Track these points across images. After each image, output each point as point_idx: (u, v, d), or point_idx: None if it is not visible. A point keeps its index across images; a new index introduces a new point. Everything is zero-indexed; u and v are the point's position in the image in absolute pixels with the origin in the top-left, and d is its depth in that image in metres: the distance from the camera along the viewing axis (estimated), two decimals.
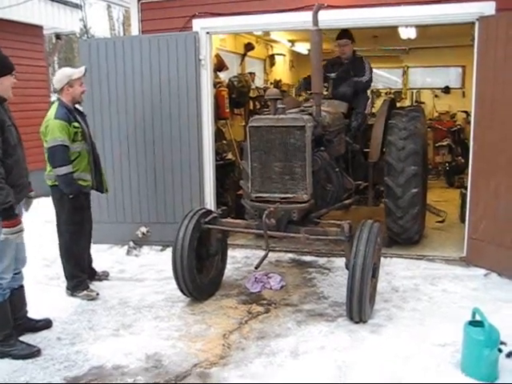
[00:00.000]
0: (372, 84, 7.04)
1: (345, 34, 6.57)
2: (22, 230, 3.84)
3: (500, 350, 3.49)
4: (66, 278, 5.19)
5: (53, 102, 5.06)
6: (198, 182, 6.53)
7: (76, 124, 4.95)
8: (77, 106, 5.19)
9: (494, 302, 4.71)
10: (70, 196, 4.90)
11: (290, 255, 6.29)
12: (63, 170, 4.81)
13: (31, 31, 10.23)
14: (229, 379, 3.67)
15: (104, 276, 5.58)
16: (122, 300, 5.09)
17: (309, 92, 6.21)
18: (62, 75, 5.01)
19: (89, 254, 5.47)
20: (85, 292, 5.12)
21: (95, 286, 5.37)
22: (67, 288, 5.18)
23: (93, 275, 5.47)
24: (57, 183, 4.92)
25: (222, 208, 5.41)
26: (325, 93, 6.09)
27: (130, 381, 3.69)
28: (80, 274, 5.17)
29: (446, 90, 12.92)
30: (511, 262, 5.29)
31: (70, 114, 4.94)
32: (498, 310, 4.44)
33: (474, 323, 3.65)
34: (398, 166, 5.96)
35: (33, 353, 4.02)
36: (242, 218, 5.85)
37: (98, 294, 5.15)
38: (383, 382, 3.58)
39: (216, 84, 7.65)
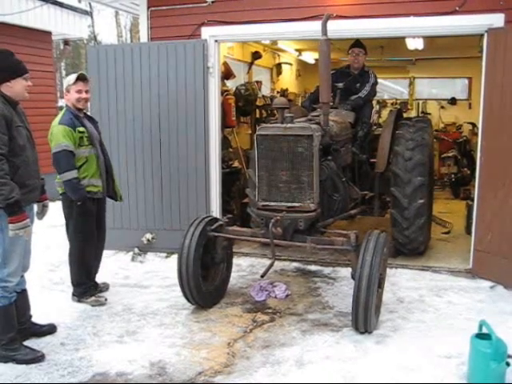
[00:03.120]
0: (378, 94, 7.05)
1: (360, 43, 6.61)
2: (28, 226, 3.84)
3: (508, 364, 3.46)
4: (73, 284, 5.19)
5: (60, 108, 5.10)
6: (204, 190, 6.54)
7: (81, 129, 4.94)
8: (87, 112, 5.22)
9: (501, 315, 4.68)
10: (78, 202, 4.89)
11: (296, 264, 6.27)
12: (68, 176, 4.81)
13: (40, 37, 10.31)
14: None
15: (105, 288, 5.50)
16: (127, 306, 5.08)
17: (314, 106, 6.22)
18: (65, 81, 5.14)
19: (97, 265, 5.44)
20: (93, 298, 5.11)
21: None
22: (73, 294, 5.18)
23: (95, 288, 5.43)
24: (60, 192, 4.95)
25: (228, 216, 5.40)
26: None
27: None
28: (86, 281, 5.17)
29: (453, 101, 12.94)
30: None
31: (76, 119, 4.95)
32: (504, 322, 4.41)
33: (480, 336, 3.63)
34: (404, 177, 5.95)
35: (37, 358, 4.01)
36: (248, 226, 5.85)
37: (106, 300, 5.15)
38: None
39: (223, 92, 7.67)
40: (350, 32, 6.09)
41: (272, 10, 6.19)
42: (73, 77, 5.05)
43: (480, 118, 5.65)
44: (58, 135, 4.80)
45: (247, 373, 3.82)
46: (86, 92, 5.07)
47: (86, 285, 5.15)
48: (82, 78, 5.03)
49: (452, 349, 4.03)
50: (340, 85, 6.42)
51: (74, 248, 5.11)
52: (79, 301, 5.12)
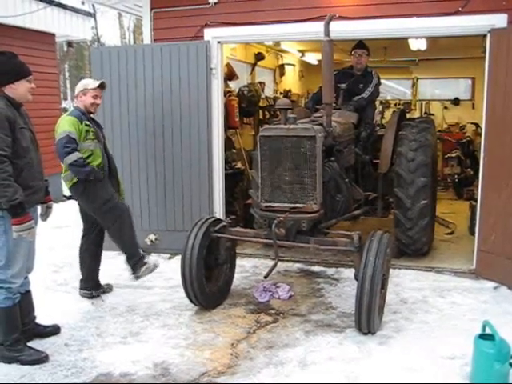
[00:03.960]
0: (381, 95, 7.04)
1: (363, 44, 6.61)
2: (32, 227, 3.86)
3: (511, 365, 3.46)
4: (128, 258, 5.11)
5: (64, 109, 5.11)
6: (207, 191, 6.55)
7: (87, 123, 4.99)
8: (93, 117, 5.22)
9: (504, 316, 4.68)
10: (91, 178, 4.87)
11: (299, 265, 6.27)
12: (72, 157, 4.77)
13: (44, 39, 10.33)
14: None
15: (108, 289, 5.51)
16: (130, 307, 5.09)
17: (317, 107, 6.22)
18: (80, 83, 5.13)
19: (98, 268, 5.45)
20: (144, 268, 5.06)
21: (101, 297, 5.35)
22: (132, 268, 5.09)
23: (97, 288, 5.43)
24: (75, 180, 4.91)
25: (231, 217, 5.41)
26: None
27: None
28: (138, 249, 5.15)
29: (456, 101, 12.93)
30: None
31: (83, 115, 5.00)
32: (508, 323, 4.39)
33: (484, 336, 3.62)
34: (407, 178, 5.96)
35: (41, 358, 4.02)
36: (251, 227, 5.85)
37: (156, 265, 5.15)
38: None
39: (226, 93, 7.68)
40: (352, 33, 6.08)
41: (275, 11, 6.19)
42: (93, 82, 5.10)
43: (483, 119, 5.64)
44: (64, 124, 4.85)
45: (250, 373, 3.83)
46: (100, 98, 5.15)
47: (138, 255, 5.11)
48: (103, 86, 5.12)
49: (455, 350, 4.03)
50: (343, 86, 6.43)
51: (114, 224, 5.05)
52: (136, 276, 5.08)
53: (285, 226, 4.61)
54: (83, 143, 4.91)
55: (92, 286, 5.36)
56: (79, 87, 5.08)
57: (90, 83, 5.08)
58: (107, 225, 5.12)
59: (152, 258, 5.19)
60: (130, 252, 5.14)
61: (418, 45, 9.67)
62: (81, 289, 5.36)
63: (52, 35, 10.67)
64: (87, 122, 4.99)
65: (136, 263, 5.12)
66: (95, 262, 5.41)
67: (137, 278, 5.14)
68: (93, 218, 5.20)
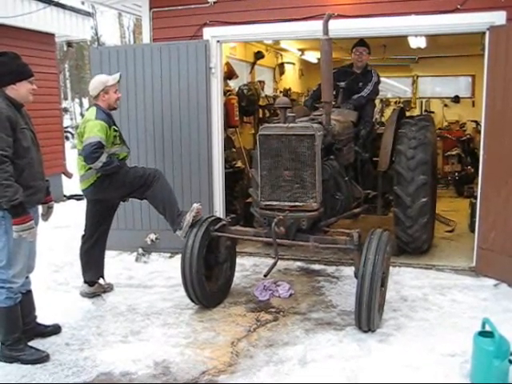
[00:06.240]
0: (381, 93, 7.04)
1: (364, 42, 6.60)
2: (32, 227, 3.87)
3: (510, 362, 3.47)
4: (172, 221, 5.07)
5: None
6: (208, 190, 6.55)
7: (115, 127, 5.00)
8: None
9: (504, 313, 4.69)
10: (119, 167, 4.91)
11: (299, 263, 6.28)
12: (102, 159, 4.74)
13: (43, 39, 10.32)
14: None
15: (109, 289, 5.51)
16: (131, 306, 5.11)
17: (316, 106, 6.23)
18: (97, 82, 5.02)
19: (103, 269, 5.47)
20: (185, 223, 4.95)
21: (102, 296, 5.37)
22: (179, 228, 5.01)
23: (98, 283, 5.44)
24: (99, 175, 4.89)
25: (231, 216, 5.41)
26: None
27: None
28: (177, 204, 5.13)
29: (456, 99, 12.91)
30: None
31: (109, 118, 4.98)
32: (508, 320, 4.39)
33: (483, 334, 3.63)
34: (407, 176, 5.96)
35: (42, 358, 4.04)
36: (251, 226, 5.86)
37: (197, 212, 5.05)
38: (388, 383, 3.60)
39: (226, 92, 7.68)
40: (351, 31, 6.08)
41: (274, 9, 6.20)
42: (110, 77, 5.04)
43: (482, 116, 5.64)
44: (94, 129, 4.76)
45: (251, 372, 3.84)
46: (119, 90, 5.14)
47: (178, 210, 5.09)
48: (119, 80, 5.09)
49: (456, 347, 4.03)
50: (342, 84, 6.42)
51: (154, 189, 5.05)
52: (180, 228, 4.98)
53: (285, 224, 4.61)
54: (110, 149, 4.89)
55: (94, 278, 5.34)
56: (98, 87, 4.96)
57: (109, 80, 5.01)
58: (148, 194, 5.09)
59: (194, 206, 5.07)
60: (173, 209, 5.08)
61: (417, 43, 9.66)
62: (84, 282, 5.33)
63: (52, 35, 10.67)
64: (115, 127, 4.99)
65: (178, 216, 5.03)
66: (98, 259, 5.40)
67: (181, 230, 5.00)
68: (96, 220, 5.25)
